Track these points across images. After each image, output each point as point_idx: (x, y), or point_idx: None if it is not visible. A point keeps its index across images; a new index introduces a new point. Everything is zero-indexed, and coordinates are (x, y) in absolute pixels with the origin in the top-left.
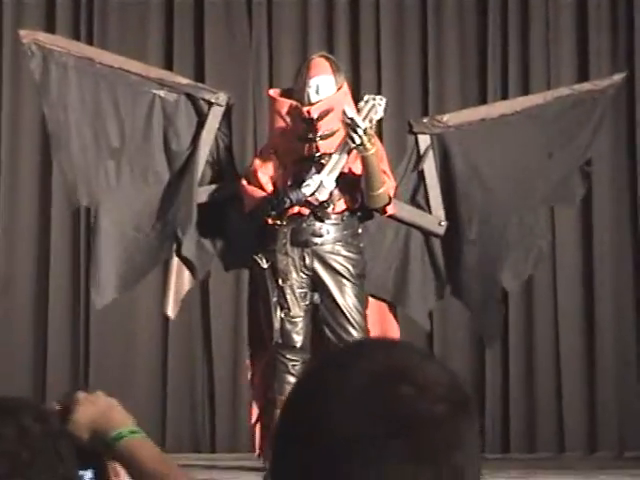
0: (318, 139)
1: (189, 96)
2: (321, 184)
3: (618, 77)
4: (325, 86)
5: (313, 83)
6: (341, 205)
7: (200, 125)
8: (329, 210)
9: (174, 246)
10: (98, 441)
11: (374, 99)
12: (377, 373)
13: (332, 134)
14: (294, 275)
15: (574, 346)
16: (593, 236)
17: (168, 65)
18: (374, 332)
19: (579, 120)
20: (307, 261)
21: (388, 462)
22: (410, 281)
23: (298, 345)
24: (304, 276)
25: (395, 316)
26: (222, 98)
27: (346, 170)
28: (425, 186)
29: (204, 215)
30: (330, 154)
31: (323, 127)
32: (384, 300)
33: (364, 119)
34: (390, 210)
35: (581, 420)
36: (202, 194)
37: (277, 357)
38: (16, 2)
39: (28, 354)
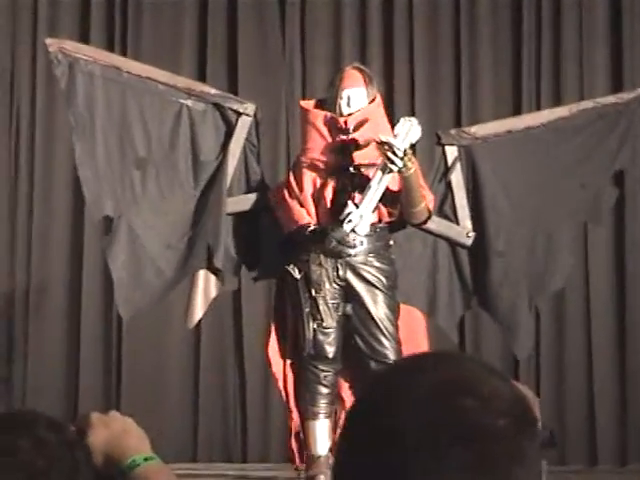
0: (354, 150)
1: (217, 106)
2: (361, 219)
3: None
4: (357, 98)
5: (345, 95)
6: (375, 217)
7: (228, 135)
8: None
9: (204, 258)
10: (112, 467)
11: (410, 120)
12: (442, 384)
13: (367, 145)
14: (327, 286)
15: (607, 360)
16: (625, 249)
17: (201, 72)
18: (405, 343)
19: (603, 133)
20: (340, 272)
21: (449, 472)
22: (438, 292)
23: (330, 356)
24: (337, 287)
25: (427, 327)
26: (250, 108)
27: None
28: (453, 197)
29: (232, 226)
30: (366, 165)
31: (358, 138)
32: (419, 309)
33: (403, 140)
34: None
35: (613, 434)
36: (230, 205)
37: (309, 368)
38: (51, 2)
39: (61, 362)
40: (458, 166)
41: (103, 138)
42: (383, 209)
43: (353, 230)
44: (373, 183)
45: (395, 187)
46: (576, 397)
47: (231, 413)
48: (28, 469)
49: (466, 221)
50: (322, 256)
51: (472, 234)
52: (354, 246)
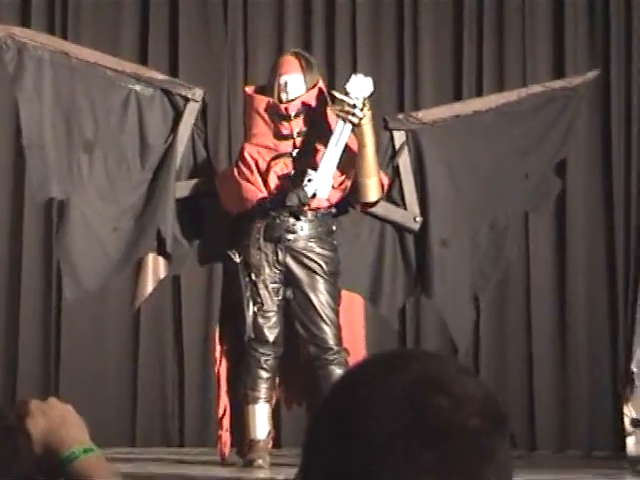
0: (296, 136)
1: (165, 91)
2: (322, 180)
3: (592, 74)
4: (294, 84)
5: (282, 81)
6: (318, 202)
7: (176, 120)
8: (305, 207)
9: (153, 242)
10: (51, 457)
11: (360, 76)
12: (413, 383)
13: (308, 130)
14: (267, 270)
15: (547, 347)
16: (566, 244)
17: (142, 57)
18: (343, 328)
19: (552, 119)
20: (280, 257)
21: (419, 472)
22: (382, 279)
23: (271, 340)
24: (277, 271)
25: (364, 314)
26: (198, 94)
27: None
28: (400, 182)
29: (180, 210)
30: (308, 150)
31: (300, 124)
32: (361, 296)
33: (357, 92)
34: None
35: (552, 420)
36: (178, 190)
37: (249, 352)
38: None
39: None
40: (406, 151)
41: (51, 122)
42: (331, 192)
43: (314, 195)
44: (331, 143)
45: (351, 149)
46: (516, 389)
47: (169, 398)
48: None
49: (414, 206)
50: (262, 241)
51: (419, 219)
52: (294, 231)
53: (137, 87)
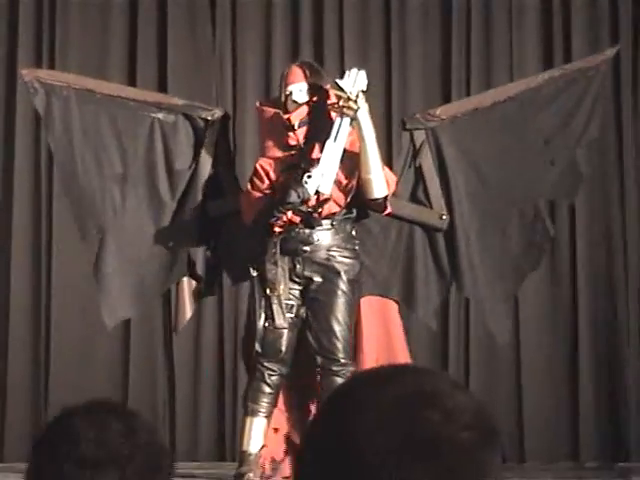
0: (303, 145)
1: (186, 116)
2: (323, 176)
3: (610, 52)
4: (299, 93)
5: (288, 91)
6: (329, 208)
7: (199, 143)
8: (317, 215)
9: (185, 266)
10: None
11: (354, 70)
12: (405, 397)
13: (317, 140)
14: (282, 286)
15: (536, 362)
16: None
17: (131, 72)
18: (378, 335)
19: (574, 101)
20: (298, 269)
21: None
22: (416, 280)
23: (279, 356)
24: (295, 286)
25: (402, 316)
26: (218, 114)
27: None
28: (424, 182)
29: (210, 231)
30: (318, 159)
31: (305, 133)
32: (395, 301)
33: (352, 86)
34: (389, 208)
35: (541, 431)
36: (209, 210)
37: (256, 365)
38: None
39: None
40: (427, 149)
41: (81, 159)
42: (334, 195)
43: (317, 192)
44: (330, 139)
45: (347, 170)
46: (505, 394)
47: (160, 412)
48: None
49: (439, 205)
50: (278, 255)
51: (446, 217)
52: (311, 242)
53: (160, 115)
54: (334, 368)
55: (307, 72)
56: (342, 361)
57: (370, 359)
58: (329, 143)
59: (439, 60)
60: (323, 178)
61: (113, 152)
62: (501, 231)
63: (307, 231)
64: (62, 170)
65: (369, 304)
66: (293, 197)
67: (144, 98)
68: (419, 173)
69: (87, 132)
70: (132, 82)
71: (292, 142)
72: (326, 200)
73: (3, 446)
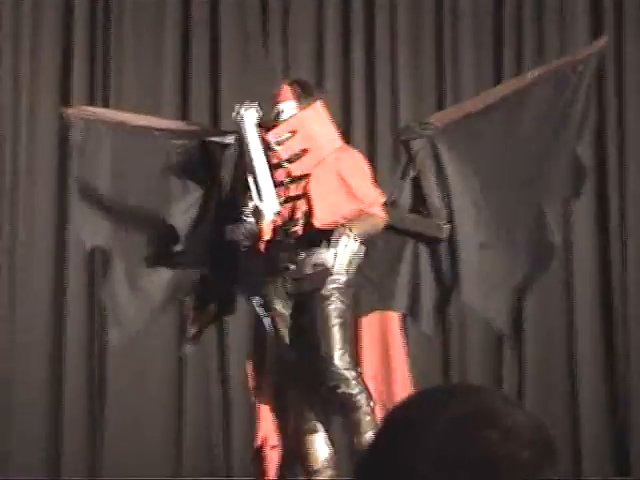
0: (286, 164)
1: (203, 142)
2: (256, 209)
3: (599, 43)
4: (286, 112)
5: (276, 110)
6: (307, 225)
7: (216, 168)
8: (295, 231)
9: (190, 285)
10: None
11: (238, 113)
12: (463, 417)
13: (299, 157)
14: (277, 301)
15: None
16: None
17: (184, 88)
18: (377, 347)
19: (569, 94)
20: (289, 288)
21: None
22: (420, 293)
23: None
24: (289, 303)
25: (403, 328)
26: (229, 139)
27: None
28: (423, 192)
29: (226, 255)
30: (300, 177)
31: (288, 151)
32: (401, 313)
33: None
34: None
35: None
36: (227, 233)
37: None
38: (34, 3)
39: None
40: (424, 158)
41: (104, 186)
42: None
43: (261, 215)
44: (249, 177)
45: (316, 188)
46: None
47: (215, 427)
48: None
49: (438, 214)
50: (270, 273)
51: (446, 226)
52: (296, 262)
53: (179, 142)
54: (331, 377)
55: (297, 90)
56: (339, 370)
57: (368, 376)
58: (249, 179)
59: (490, 66)
60: (265, 203)
61: (134, 181)
62: (509, 237)
63: (293, 250)
64: (81, 195)
65: (369, 321)
66: (240, 237)
67: (167, 126)
68: (417, 184)
69: (115, 162)
70: (185, 98)
71: (274, 160)
72: (294, 218)
73: None
